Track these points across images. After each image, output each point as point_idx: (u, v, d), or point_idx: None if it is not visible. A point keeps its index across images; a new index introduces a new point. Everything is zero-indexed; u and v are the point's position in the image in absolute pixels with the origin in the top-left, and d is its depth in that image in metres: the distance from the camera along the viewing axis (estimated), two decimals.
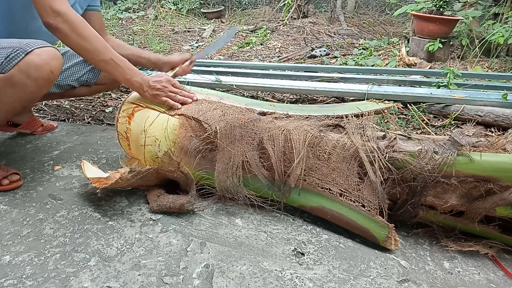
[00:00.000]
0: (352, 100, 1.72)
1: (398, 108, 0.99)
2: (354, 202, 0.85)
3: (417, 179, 0.82)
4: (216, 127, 0.92)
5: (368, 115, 0.95)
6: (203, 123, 0.94)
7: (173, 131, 0.95)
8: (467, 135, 0.86)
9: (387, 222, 0.83)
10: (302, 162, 0.87)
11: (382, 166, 0.83)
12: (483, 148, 0.85)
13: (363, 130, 0.89)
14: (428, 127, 1.57)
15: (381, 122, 1.58)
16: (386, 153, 0.83)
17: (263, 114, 1.00)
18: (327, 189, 0.87)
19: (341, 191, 0.86)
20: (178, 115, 0.96)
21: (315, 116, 0.98)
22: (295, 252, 0.83)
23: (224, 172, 0.91)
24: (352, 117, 0.94)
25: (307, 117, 0.98)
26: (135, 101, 1.01)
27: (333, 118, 0.96)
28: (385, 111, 0.98)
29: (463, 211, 0.85)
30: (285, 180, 0.89)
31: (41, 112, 1.70)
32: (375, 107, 0.98)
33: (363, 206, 0.84)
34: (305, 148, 0.87)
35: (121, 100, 1.15)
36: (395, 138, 0.86)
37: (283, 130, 0.90)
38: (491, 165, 0.79)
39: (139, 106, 1.00)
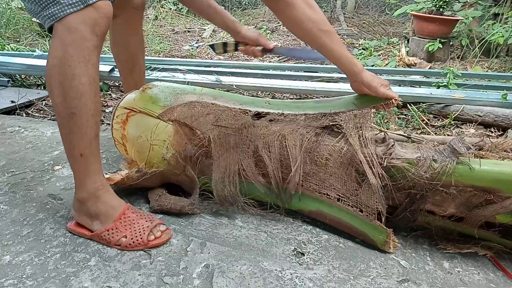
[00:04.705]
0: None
1: (397, 105, 0.95)
2: (352, 207, 0.85)
3: (416, 187, 0.81)
4: (209, 136, 0.91)
5: (366, 112, 0.91)
6: (196, 131, 0.92)
7: (168, 137, 0.94)
8: (467, 143, 0.83)
9: (385, 227, 0.83)
10: (300, 168, 0.86)
11: (379, 173, 0.82)
12: (485, 152, 0.84)
13: (361, 131, 0.88)
14: (428, 127, 1.57)
15: (381, 122, 1.58)
16: (385, 159, 0.82)
17: (258, 114, 0.98)
18: (324, 194, 0.87)
19: (339, 196, 0.86)
20: (172, 120, 0.95)
21: (312, 114, 0.95)
22: (295, 252, 0.83)
23: (221, 182, 0.90)
24: (349, 113, 0.91)
25: (302, 117, 0.95)
26: (128, 106, 0.99)
27: (330, 116, 0.93)
28: (384, 106, 0.93)
29: (463, 217, 0.84)
30: (285, 187, 0.89)
31: (41, 112, 1.70)
32: (373, 101, 0.94)
33: (361, 211, 0.84)
34: (301, 154, 0.86)
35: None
36: (393, 145, 0.85)
37: (278, 136, 0.89)
38: (490, 175, 0.78)
39: (133, 111, 0.98)
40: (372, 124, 0.91)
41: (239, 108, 0.97)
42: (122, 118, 0.98)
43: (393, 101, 0.90)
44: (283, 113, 0.97)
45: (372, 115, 0.92)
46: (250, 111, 0.97)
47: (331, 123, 0.93)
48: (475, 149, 0.86)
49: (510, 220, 0.81)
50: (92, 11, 0.72)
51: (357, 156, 0.84)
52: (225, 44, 1.13)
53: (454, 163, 0.79)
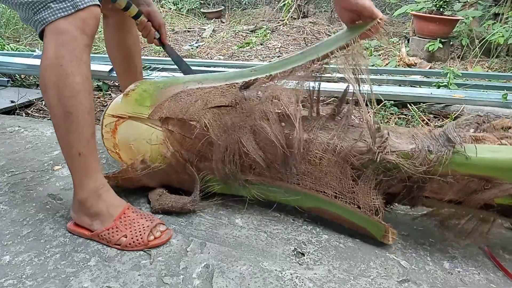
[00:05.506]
0: (353, 99, 1.71)
1: (383, 24, 0.80)
2: (350, 204, 0.85)
3: (412, 179, 0.80)
4: (204, 121, 0.87)
5: (355, 45, 0.84)
6: (189, 122, 0.89)
7: (160, 146, 0.92)
8: (462, 130, 0.81)
9: (383, 222, 0.82)
10: (300, 124, 0.83)
11: (374, 169, 0.81)
12: (483, 134, 0.82)
13: (355, 63, 0.83)
14: (428, 127, 1.57)
15: (382, 122, 1.58)
16: (378, 154, 0.81)
17: (246, 84, 0.93)
18: (321, 192, 0.87)
19: (336, 193, 0.86)
20: (162, 120, 0.92)
21: (300, 66, 0.90)
22: (295, 252, 0.83)
23: (221, 161, 0.88)
24: (338, 50, 0.85)
25: (291, 72, 0.90)
26: (115, 113, 0.96)
27: (318, 61, 0.88)
28: (371, 30, 0.83)
29: (461, 201, 0.83)
30: (290, 152, 0.84)
31: (41, 112, 1.70)
32: (359, 29, 0.85)
33: (359, 207, 0.84)
34: (299, 109, 0.83)
35: None
36: (387, 138, 0.83)
37: (272, 99, 0.85)
38: (487, 163, 0.76)
39: (120, 118, 0.95)
40: (363, 55, 0.84)
41: (226, 84, 0.93)
42: (111, 127, 0.96)
43: (379, 21, 0.80)
44: (271, 75, 0.91)
45: (361, 45, 0.85)
46: (237, 83, 0.93)
47: (321, 68, 0.87)
48: (473, 131, 0.84)
49: (509, 201, 0.80)
50: (80, 12, 0.74)
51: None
52: (129, 3, 1.05)
53: (450, 153, 0.77)
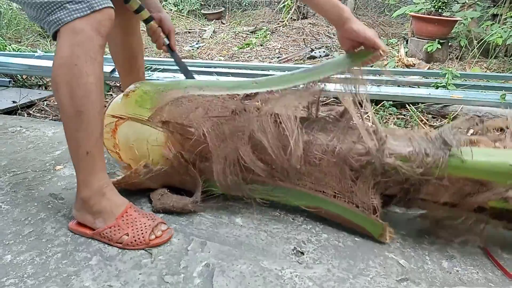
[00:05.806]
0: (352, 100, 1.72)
1: (385, 55, 0.89)
2: (348, 203, 0.86)
3: (409, 181, 0.81)
4: (203, 130, 0.88)
5: (356, 70, 0.87)
6: (187, 128, 0.90)
7: (161, 147, 0.93)
8: (458, 132, 0.82)
9: (381, 221, 0.84)
10: (298, 139, 0.84)
11: (373, 170, 0.82)
12: (478, 137, 0.83)
13: (355, 90, 0.86)
14: (427, 128, 1.58)
15: (380, 122, 1.59)
16: (377, 159, 0.81)
17: (248, 96, 0.94)
18: (320, 191, 0.87)
19: (335, 193, 0.86)
20: (162, 122, 0.93)
21: (302, 85, 0.91)
22: (295, 251, 0.84)
23: (222, 172, 0.89)
24: (338, 75, 0.88)
25: (293, 89, 0.92)
26: (115, 113, 0.96)
27: (319, 82, 0.89)
28: (372, 59, 0.87)
29: (456, 204, 0.84)
30: (289, 165, 0.85)
31: (43, 112, 1.71)
32: (363, 57, 0.88)
33: (357, 206, 0.85)
34: (297, 125, 0.84)
35: None
36: (385, 142, 0.83)
37: (271, 115, 0.86)
38: (483, 167, 0.77)
39: (120, 118, 0.95)
40: (364, 81, 0.87)
41: (227, 94, 0.94)
42: (111, 127, 0.96)
43: (381, 52, 0.85)
44: (272, 91, 0.92)
45: (362, 72, 0.88)
46: (238, 95, 0.94)
47: (322, 89, 0.89)
48: (467, 133, 0.85)
49: (502, 205, 0.81)
50: (96, 14, 0.75)
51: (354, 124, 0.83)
52: (141, 6, 1.05)
53: (446, 156, 0.78)
